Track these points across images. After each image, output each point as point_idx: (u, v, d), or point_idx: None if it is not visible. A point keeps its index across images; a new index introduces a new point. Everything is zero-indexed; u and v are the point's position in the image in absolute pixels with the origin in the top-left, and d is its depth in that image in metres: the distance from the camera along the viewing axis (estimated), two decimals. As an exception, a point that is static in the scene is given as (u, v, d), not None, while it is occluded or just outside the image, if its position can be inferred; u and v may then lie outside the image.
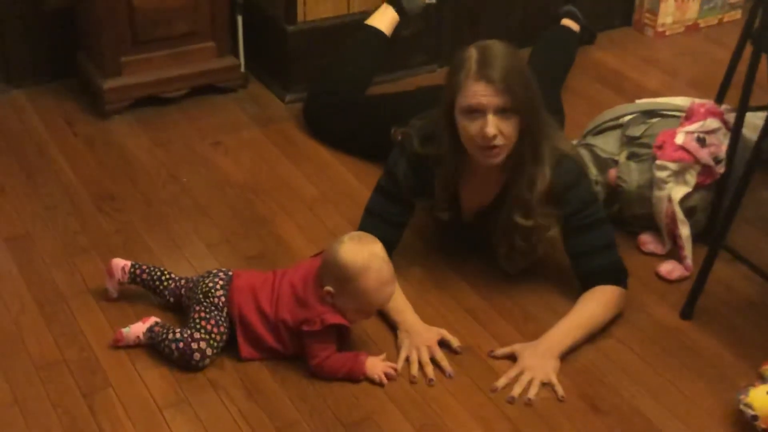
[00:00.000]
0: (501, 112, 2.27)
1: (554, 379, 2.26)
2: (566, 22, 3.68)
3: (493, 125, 2.26)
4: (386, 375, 2.26)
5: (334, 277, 2.21)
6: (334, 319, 2.22)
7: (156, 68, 3.28)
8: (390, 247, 2.47)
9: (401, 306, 2.41)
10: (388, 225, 2.50)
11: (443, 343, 2.36)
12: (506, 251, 2.50)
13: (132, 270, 2.43)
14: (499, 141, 2.29)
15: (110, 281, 2.45)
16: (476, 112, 2.28)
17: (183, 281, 2.41)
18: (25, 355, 2.31)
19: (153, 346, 2.31)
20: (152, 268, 2.43)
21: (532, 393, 2.23)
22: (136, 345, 2.32)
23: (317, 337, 2.23)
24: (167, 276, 2.42)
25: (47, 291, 2.51)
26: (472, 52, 2.30)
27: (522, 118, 2.29)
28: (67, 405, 2.18)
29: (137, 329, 2.31)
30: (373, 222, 2.50)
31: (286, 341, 2.27)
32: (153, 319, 2.33)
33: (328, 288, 2.22)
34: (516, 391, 2.23)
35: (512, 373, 2.28)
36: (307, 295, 2.24)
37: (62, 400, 2.19)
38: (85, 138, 3.17)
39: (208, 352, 2.26)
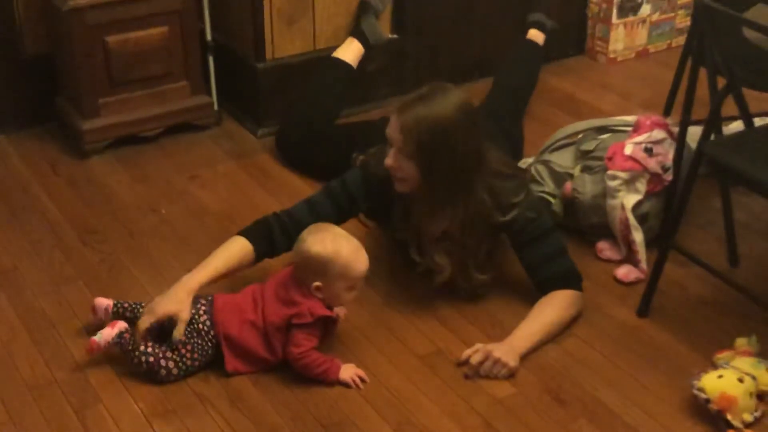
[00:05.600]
0: (402, 151, 2.44)
1: (515, 366, 2.40)
2: (532, 33, 3.76)
3: (392, 157, 2.47)
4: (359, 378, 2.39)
5: (314, 271, 2.36)
6: (323, 311, 2.37)
7: (133, 108, 3.42)
8: None
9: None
10: (317, 218, 2.56)
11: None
12: (460, 274, 2.63)
13: (115, 309, 2.51)
14: (398, 174, 2.47)
15: (94, 317, 2.53)
16: (390, 141, 2.47)
17: None
18: (18, 377, 2.42)
19: (123, 354, 2.40)
20: (135, 305, 2.51)
21: (504, 364, 2.39)
22: (107, 349, 2.39)
23: (305, 329, 2.36)
24: None
25: (36, 318, 2.62)
26: (423, 89, 2.47)
27: (422, 166, 2.44)
28: (61, 421, 2.29)
29: (107, 334, 2.38)
30: (304, 209, 2.60)
31: (275, 345, 2.39)
32: (121, 324, 2.40)
33: (316, 284, 2.36)
34: (486, 365, 2.40)
35: (477, 347, 2.43)
36: (291, 295, 2.38)
37: (56, 416, 2.30)
38: (67, 177, 3.30)
39: (174, 371, 2.37)
